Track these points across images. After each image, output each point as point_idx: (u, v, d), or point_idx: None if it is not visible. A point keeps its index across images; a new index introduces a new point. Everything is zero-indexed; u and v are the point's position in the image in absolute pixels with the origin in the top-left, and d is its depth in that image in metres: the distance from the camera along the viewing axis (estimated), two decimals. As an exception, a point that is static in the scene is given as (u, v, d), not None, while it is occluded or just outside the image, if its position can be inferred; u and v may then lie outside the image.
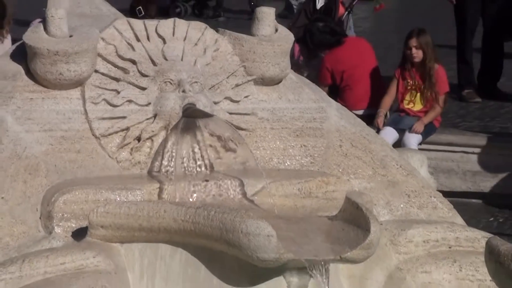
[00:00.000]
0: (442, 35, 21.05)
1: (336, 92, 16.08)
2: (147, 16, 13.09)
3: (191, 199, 8.08)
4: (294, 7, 25.86)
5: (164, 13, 24.30)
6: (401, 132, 15.53)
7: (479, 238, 8.16)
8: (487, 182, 14.93)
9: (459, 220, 9.10)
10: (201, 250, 7.76)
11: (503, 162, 15.08)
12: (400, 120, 15.68)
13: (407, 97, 16.08)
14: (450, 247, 8.52)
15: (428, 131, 15.20)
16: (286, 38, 9.05)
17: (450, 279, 8.34)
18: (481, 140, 15.52)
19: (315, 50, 17.45)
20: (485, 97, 19.01)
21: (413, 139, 15.01)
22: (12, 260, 7.47)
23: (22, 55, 8.34)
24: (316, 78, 15.84)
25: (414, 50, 15.59)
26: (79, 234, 7.88)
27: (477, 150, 15.30)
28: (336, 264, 7.83)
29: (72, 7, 8.72)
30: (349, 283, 8.34)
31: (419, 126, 15.23)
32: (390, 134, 14.86)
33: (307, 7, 18.33)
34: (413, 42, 15.72)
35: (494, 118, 16.76)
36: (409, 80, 15.98)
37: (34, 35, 8.26)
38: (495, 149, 15.37)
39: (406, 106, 15.89)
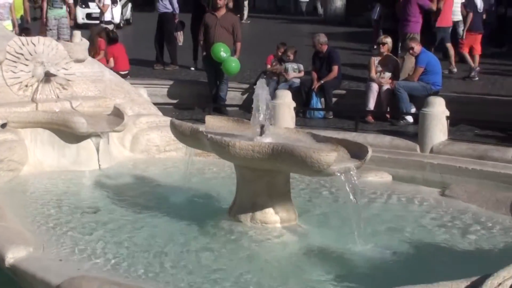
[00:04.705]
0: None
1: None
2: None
3: (50, 109, 7.95)
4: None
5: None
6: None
7: (168, 120, 7.40)
8: (179, 98, 12.63)
9: (160, 114, 9.00)
10: (56, 130, 7.78)
11: (186, 92, 12.88)
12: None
13: None
14: (157, 124, 8.53)
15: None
16: (85, 44, 8.86)
17: (157, 137, 8.38)
18: (169, 82, 13.25)
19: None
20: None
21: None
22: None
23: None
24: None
25: None
26: (3, 126, 7.69)
27: (168, 86, 13.06)
28: (112, 133, 7.97)
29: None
30: (118, 141, 8.28)
31: None
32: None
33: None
34: None
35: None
36: None
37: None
38: (183, 84, 13.24)
39: None
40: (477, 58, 13.25)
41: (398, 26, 13.21)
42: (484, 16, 14.26)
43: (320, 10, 27.13)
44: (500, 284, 3.45)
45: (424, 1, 12.96)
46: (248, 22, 24.92)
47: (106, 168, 7.80)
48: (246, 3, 25.27)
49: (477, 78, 13.01)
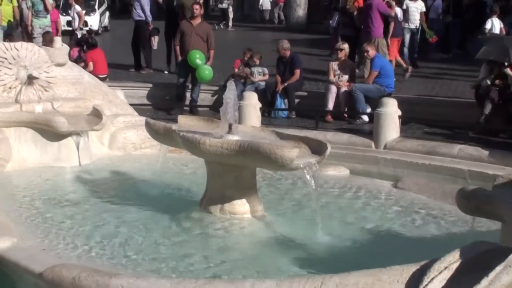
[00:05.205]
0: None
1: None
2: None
3: (32, 109, 7.84)
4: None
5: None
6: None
7: (143, 119, 7.09)
8: (154, 100, 12.37)
9: (136, 114, 8.94)
10: (38, 129, 7.72)
11: (160, 94, 12.59)
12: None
13: None
14: (133, 124, 8.44)
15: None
16: (65, 49, 8.73)
17: (134, 135, 8.33)
18: (144, 84, 12.94)
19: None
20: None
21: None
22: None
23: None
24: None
25: None
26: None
27: (143, 88, 12.73)
28: (91, 131, 7.89)
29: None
30: (97, 139, 8.22)
31: None
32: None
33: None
34: None
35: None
36: None
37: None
38: (157, 86, 12.90)
39: None
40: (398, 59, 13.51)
41: (362, 33, 13.30)
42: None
43: (276, 18, 27.19)
44: (446, 267, 3.48)
45: (384, 8, 13.16)
46: (233, 29, 24.81)
47: (86, 164, 7.72)
48: (230, 11, 25.30)
49: (408, 73, 13.35)
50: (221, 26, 24.41)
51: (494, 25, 13.45)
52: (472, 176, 8.18)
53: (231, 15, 25.24)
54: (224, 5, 25.09)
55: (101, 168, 7.67)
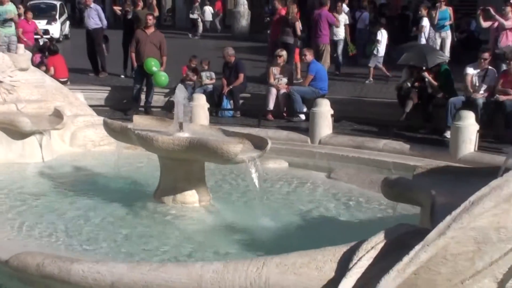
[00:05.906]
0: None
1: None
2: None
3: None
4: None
5: None
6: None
7: (101, 119, 6.85)
8: (112, 101, 12.05)
9: (95, 114, 8.72)
10: (3, 129, 7.48)
11: (117, 96, 12.22)
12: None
13: None
14: (92, 123, 8.30)
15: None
16: (28, 55, 8.49)
17: (93, 134, 8.15)
18: (102, 87, 12.67)
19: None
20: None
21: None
22: None
23: None
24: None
25: None
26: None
27: (101, 91, 12.42)
28: (53, 130, 7.72)
29: None
30: (59, 137, 8.00)
31: None
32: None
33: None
34: None
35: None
36: None
37: None
38: (114, 89, 12.56)
39: None
40: (298, 65, 13.49)
41: (311, 39, 13.40)
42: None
43: (219, 26, 27.29)
44: (373, 247, 3.54)
45: (331, 19, 13.43)
46: (197, 38, 24.54)
47: (49, 161, 7.58)
48: (199, 22, 25.31)
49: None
50: (190, 35, 24.36)
51: (383, 35, 13.83)
52: (395, 167, 8.32)
53: (200, 25, 25.45)
54: (195, 16, 25.29)
55: (62, 163, 7.54)
